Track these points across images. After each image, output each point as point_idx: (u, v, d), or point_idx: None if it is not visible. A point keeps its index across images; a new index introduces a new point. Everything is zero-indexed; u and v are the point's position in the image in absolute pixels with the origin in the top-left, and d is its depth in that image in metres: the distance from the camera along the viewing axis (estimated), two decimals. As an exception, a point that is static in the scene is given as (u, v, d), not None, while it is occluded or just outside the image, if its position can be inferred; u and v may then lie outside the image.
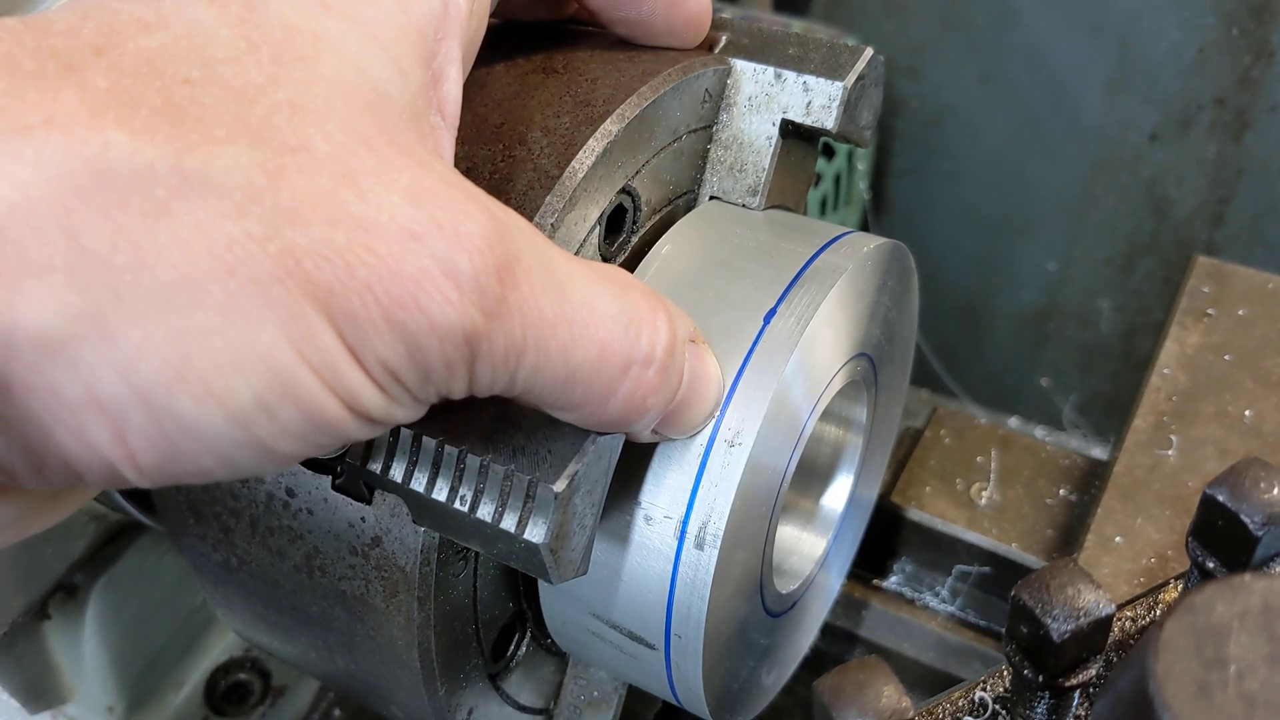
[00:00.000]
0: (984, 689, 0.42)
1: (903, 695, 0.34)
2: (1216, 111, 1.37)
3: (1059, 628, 0.36)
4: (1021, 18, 1.44)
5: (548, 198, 0.47)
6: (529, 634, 0.58)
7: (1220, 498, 0.37)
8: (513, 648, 0.57)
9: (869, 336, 0.57)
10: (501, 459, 0.43)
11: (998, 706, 0.42)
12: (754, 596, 0.54)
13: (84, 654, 0.77)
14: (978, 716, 0.42)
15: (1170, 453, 0.76)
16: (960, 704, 0.42)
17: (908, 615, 0.86)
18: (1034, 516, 0.83)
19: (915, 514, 0.84)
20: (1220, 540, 0.38)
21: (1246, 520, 0.36)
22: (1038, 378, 1.61)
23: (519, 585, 0.56)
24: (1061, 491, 0.85)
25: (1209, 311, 0.84)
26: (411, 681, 0.51)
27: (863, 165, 1.40)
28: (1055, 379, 1.60)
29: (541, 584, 0.54)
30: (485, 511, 0.43)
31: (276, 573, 0.52)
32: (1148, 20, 1.36)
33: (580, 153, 0.48)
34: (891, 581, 0.88)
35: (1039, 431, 1.32)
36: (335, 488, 0.49)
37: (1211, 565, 0.38)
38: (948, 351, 1.60)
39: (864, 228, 1.45)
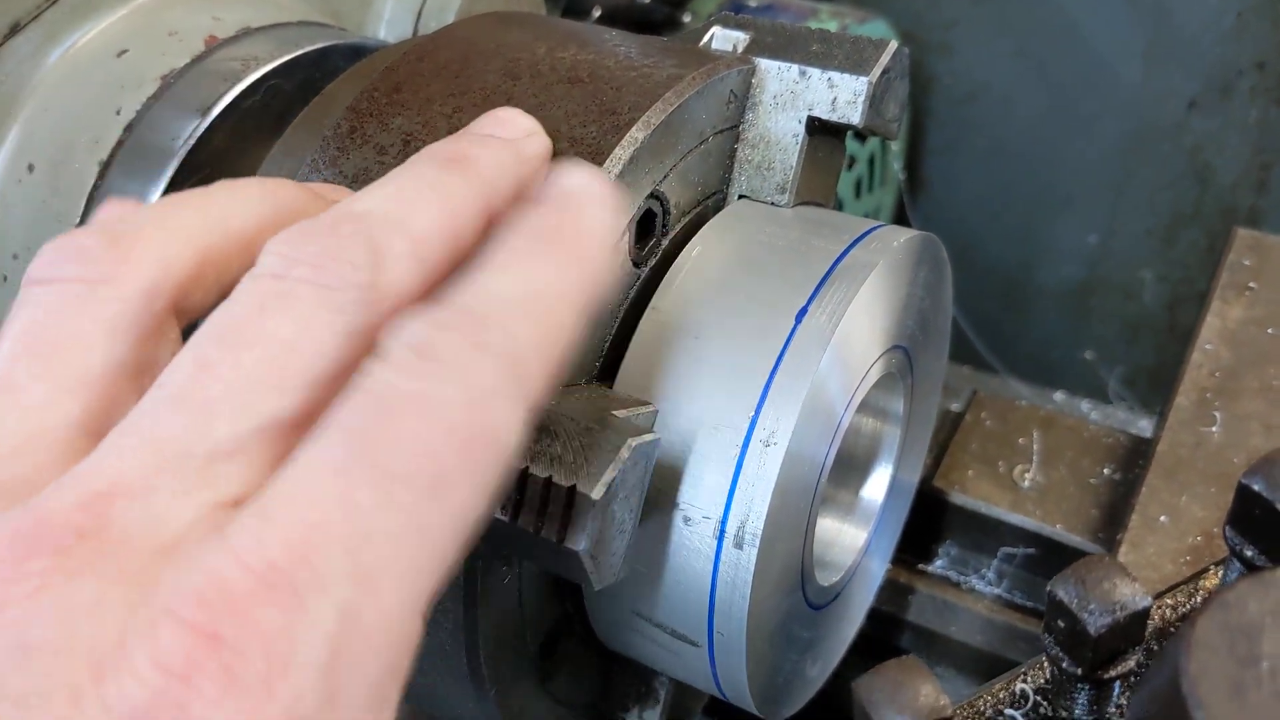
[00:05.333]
0: (1025, 680, 0.43)
1: (940, 694, 0.35)
2: (1257, 76, 1.35)
3: (1095, 622, 0.36)
4: (1054, -10, 1.42)
5: (576, 208, 0.48)
6: (576, 633, 0.59)
7: (1255, 487, 0.37)
8: (560, 647, 0.58)
9: (903, 329, 0.57)
10: (540, 468, 0.43)
11: (1039, 698, 0.42)
12: (795, 591, 0.54)
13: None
14: (1019, 708, 0.42)
15: (1214, 429, 0.76)
16: (1001, 696, 0.43)
17: (954, 599, 0.86)
18: (1078, 497, 0.83)
19: (959, 498, 0.84)
20: (1258, 529, 0.38)
21: (1282, 509, 0.36)
22: (1082, 351, 1.59)
23: (563, 587, 0.56)
24: (1105, 470, 0.85)
25: (1250, 285, 0.83)
26: (462, 686, 0.52)
27: (896, 146, 1.39)
28: (1100, 352, 1.58)
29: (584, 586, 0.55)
30: (526, 521, 0.43)
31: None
32: (1183, -14, 1.34)
33: (607, 161, 0.49)
34: (937, 565, 0.88)
35: (1084, 405, 1.31)
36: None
37: (1250, 554, 0.39)
38: (991, 328, 1.59)
39: (900, 208, 1.44)
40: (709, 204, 0.57)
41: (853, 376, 0.53)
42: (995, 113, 1.52)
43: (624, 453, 0.43)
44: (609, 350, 0.52)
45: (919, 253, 0.57)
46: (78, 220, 0.62)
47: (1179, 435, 0.76)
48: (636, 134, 0.50)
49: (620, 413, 0.48)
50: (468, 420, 0.30)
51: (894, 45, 0.56)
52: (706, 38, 0.59)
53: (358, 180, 0.52)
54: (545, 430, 0.44)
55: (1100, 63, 1.43)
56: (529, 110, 0.52)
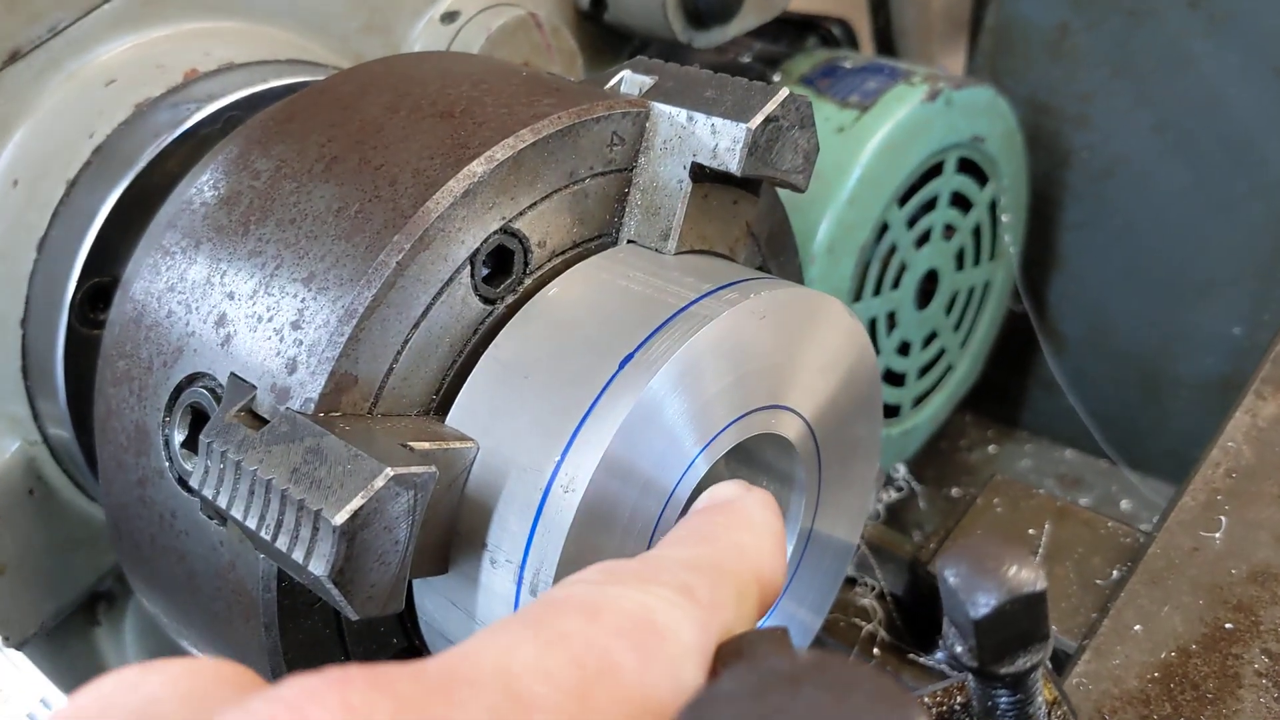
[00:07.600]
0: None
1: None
2: None
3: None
4: (1198, 62, 1.33)
5: (395, 236, 0.48)
6: (428, 672, 0.58)
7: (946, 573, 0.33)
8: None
9: (786, 389, 0.54)
10: (300, 490, 0.43)
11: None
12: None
13: (129, 660, 0.83)
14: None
15: (1217, 535, 0.68)
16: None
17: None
18: (1079, 596, 0.76)
19: (951, 586, 0.79)
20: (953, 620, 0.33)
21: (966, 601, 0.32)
22: (1224, 452, 1.47)
23: (404, 621, 0.56)
24: (1115, 572, 0.77)
25: (1293, 380, 0.75)
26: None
27: (1007, 217, 1.33)
28: (1249, 454, 1.45)
29: (421, 621, 0.54)
30: (282, 541, 0.43)
31: (174, 588, 0.55)
32: (1338, 61, 1.23)
33: (438, 194, 0.49)
34: (936, 658, 0.82)
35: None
36: (201, 510, 0.51)
37: (960, 649, 0.34)
38: (1126, 420, 1.49)
39: (1014, 284, 1.37)
40: (592, 245, 0.56)
41: (697, 430, 0.50)
42: (1134, 189, 1.43)
43: (377, 482, 0.43)
44: (449, 385, 0.52)
45: (801, 311, 0.54)
46: (43, 232, 0.67)
47: (1176, 538, 0.69)
48: (476, 168, 0.50)
49: (423, 445, 0.48)
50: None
51: (784, 92, 0.53)
52: (614, 80, 0.58)
53: (232, 201, 0.54)
54: (318, 454, 0.44)
55: (1246, 141, 1.32)
56: (393, 140, 0.53)
